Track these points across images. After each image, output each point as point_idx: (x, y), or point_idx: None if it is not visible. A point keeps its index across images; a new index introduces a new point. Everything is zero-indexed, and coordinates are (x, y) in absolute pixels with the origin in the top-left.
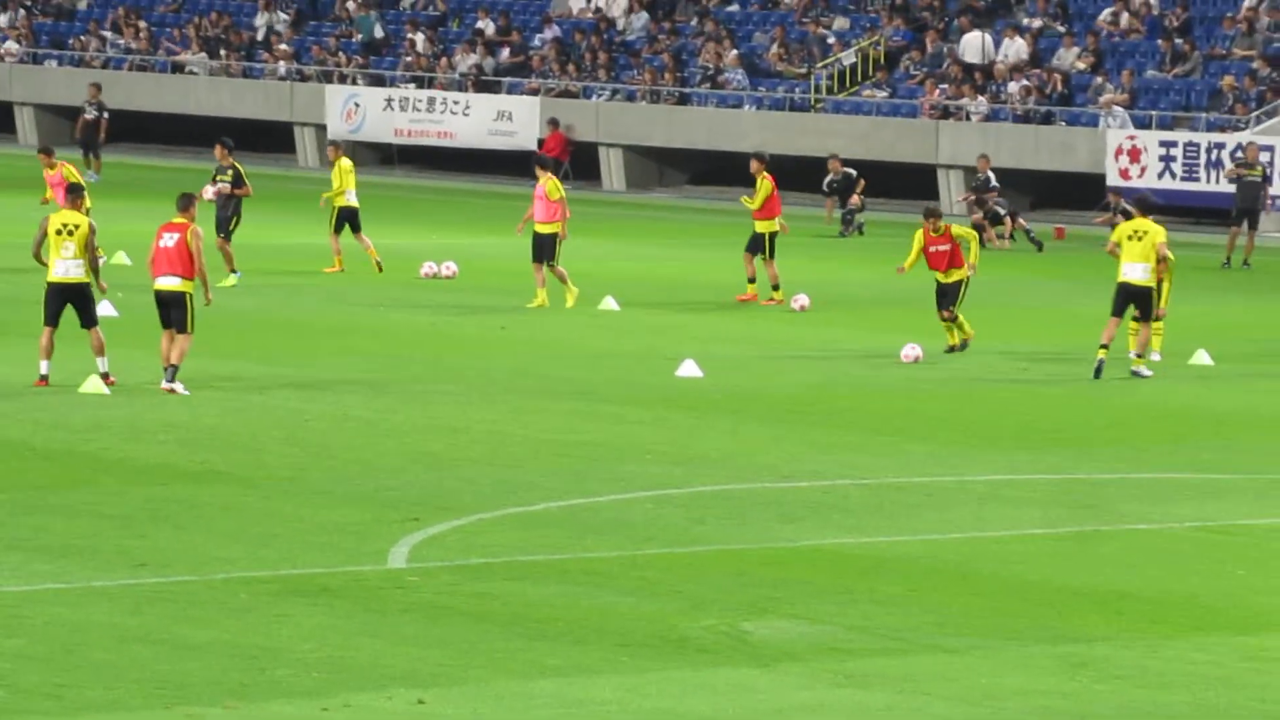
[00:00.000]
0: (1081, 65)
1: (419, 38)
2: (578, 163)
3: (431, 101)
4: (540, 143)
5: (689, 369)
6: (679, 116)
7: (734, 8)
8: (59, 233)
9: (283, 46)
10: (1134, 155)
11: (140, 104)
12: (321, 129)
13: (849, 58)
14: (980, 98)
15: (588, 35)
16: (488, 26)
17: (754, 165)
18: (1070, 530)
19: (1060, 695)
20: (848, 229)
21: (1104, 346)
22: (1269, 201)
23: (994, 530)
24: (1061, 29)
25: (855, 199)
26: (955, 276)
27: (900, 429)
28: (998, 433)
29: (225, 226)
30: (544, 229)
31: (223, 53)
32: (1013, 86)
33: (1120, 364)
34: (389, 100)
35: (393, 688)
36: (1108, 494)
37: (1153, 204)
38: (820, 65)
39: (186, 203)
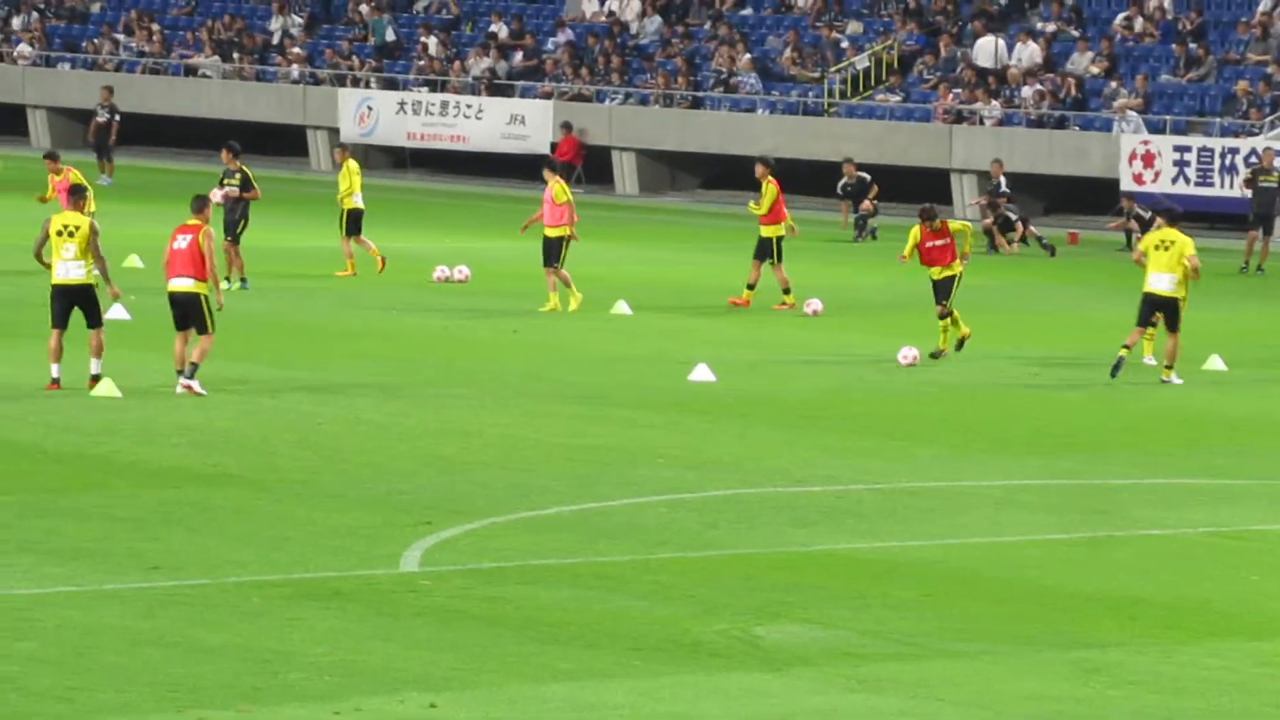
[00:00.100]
0: (1095, 70)
1: (432, 41)
2: (590, 166)
3: (444, 105)
4: (553, 146)
5: (701, 373)
6: (692, 120)
7: (747, 11)
8: (60, 234)
9: (296, 50)
10: (1148, 160)
11: (153, 107)
12: (334, 132)
13: (862, 62)
14: (994, 102)
15: (601, 39)
16: (501, 30)
17: (759, 169)
18: (1083, 535)
19: (1073, 701)
20: (861, 234)
21: (1126, 347)
22: None
23: (1007, 535)
24: (1075, 33)
25: (867, 204)
26: (949, 272)
27: (913, 433)
28: (1011, 437)
29: (233, 230)
30: (552, 232)
31: (236, 56)
32: (1026, 91)
33: (1138, 369)
34: (402, 104)
35: (405, 691)
36: (1121, 499)
37: (1179, 214)
38: (834, 69)
39: (200, 204)
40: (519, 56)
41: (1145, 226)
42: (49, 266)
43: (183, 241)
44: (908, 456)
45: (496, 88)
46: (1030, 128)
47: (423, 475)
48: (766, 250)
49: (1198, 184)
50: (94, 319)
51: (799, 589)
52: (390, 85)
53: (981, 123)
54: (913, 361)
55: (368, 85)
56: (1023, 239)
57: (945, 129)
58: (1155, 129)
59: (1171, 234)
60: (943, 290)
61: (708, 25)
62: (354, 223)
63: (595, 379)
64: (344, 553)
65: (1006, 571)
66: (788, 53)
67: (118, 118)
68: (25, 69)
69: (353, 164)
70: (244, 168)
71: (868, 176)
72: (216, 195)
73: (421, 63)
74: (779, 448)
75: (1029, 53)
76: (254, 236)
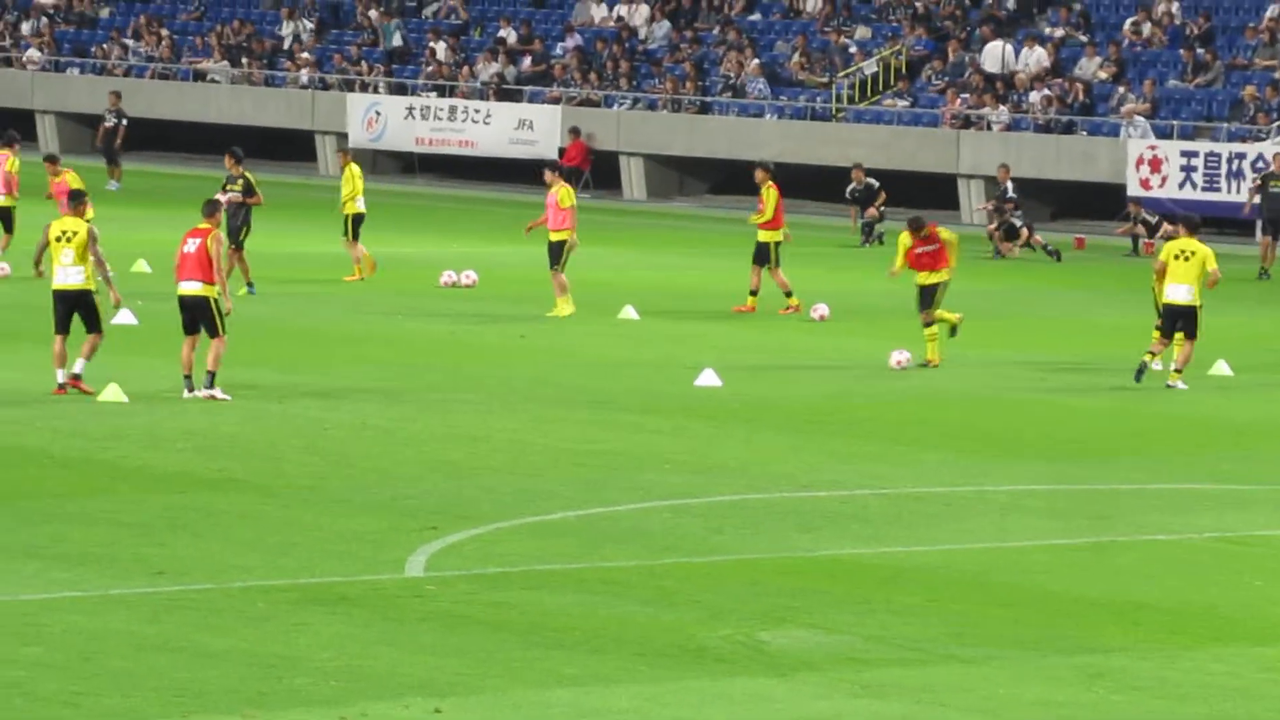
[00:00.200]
0: (1103, 75)
1: (440, 46)
2: (598, 172)
3: (453, 110)
4: (561, 152)
5: (708, 378)
6: (700, 125)
7: (756, 17)
8: (59, 239)
9: (304, 55)
10: (1155, 165)
11: (162, 112)
12: (343, 137)
13: (870, 67)
14: (1001, 107)
15: (609, 44)
16: (509, 35)
17: (759, 174)
18: (1088, 540)
19: (1078, 706)
20: (868, 239)
21: (1151, 354)
22: None
23: (1012, 540)
24: (1083, 38)
25: (873, 210)
26: (936, 279)
27: (919, 439)
28: (1016, 443)
29: (236, 236)
30: (556, 236)
31: (245, 61)
32: (1034, 96)
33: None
34: (410, 109)
35: (410, 696)
36: (1126, 504)
37: (1198, 223)
38: (842, 74)
39: (211, 209)
40: (527, 62)
41: (1152, 231)
42: (41, 275)
43: (192, 245)
44: (913, 461)
45: (505, 93)
46: (1038, 133)
47: (429, 480)
48: (765, 255)
49: (1205, 189)
50: (92, 324)
51: (804, 594)
52: (399, 90)
53: (989, 128)
54: (904, 365)
55: (376, 90)
56: (1027, 245)
57: (953, 134)
58: (1163, 134)
59: (1192, 243)
60: (927, 297)
61: (716, 30)
62: (356, 227)
63: (602, 384)
64: (350, 558)
65: (1011, 577)
66: (796, 58)
67: (125, 122)
68: (34, 74)
69: (355, 168)
70: (246, 174)
71: (876, 183)
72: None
73: (430, 68)
74: (785, 453)
75: (1036, 58)
76: (262, 241)
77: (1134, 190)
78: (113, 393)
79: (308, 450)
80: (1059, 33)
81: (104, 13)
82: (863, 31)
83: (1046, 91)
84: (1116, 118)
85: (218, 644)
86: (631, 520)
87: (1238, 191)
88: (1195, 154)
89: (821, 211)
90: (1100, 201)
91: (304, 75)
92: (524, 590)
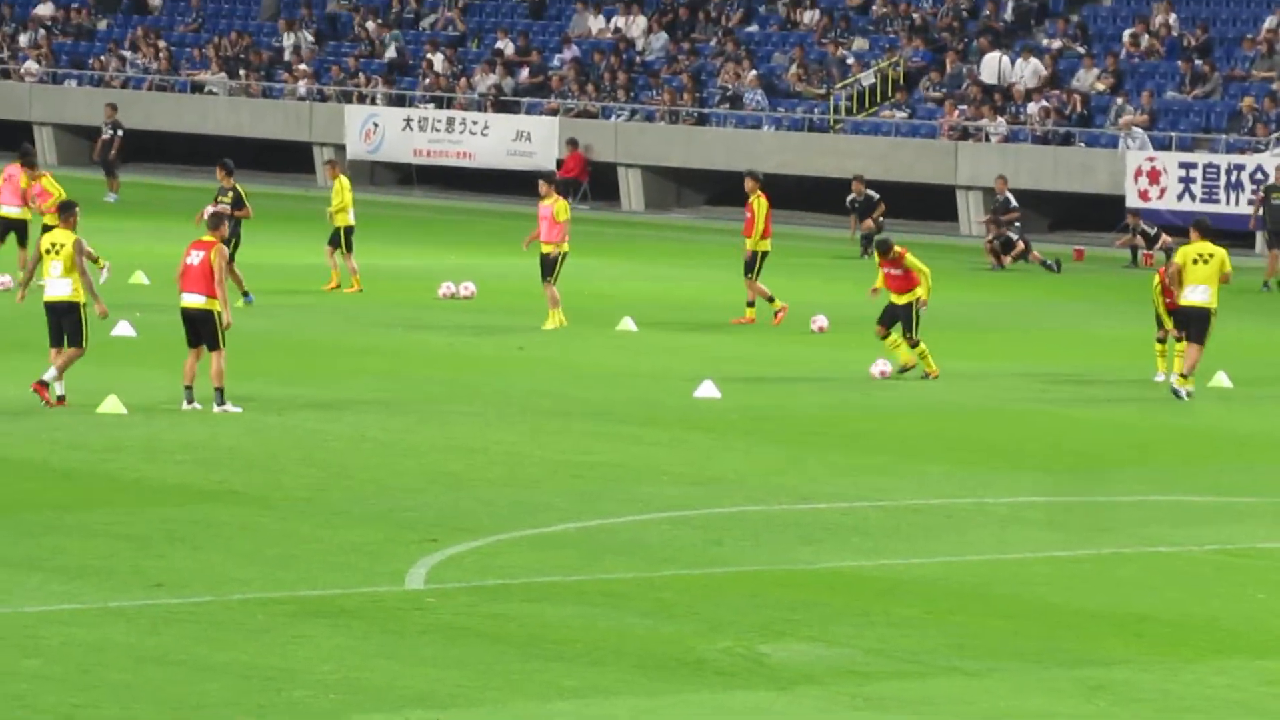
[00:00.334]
0: (1101, 86)
1: (438, 58)
2: (596, 183)
3: (450, 122)
4: (559, 163)
5: (707, 390)
6: (698, 137)
7: (753, 28)
8: (49, 252)
9: (302, 66)
10: (1153, 177)
11: (159, 124)
12: (341, 149)
13: (868, 78)
14: (999, 119)
15: (607, 55)
16: (507, 47)
17: (748, 184)
18: (1089, 553)
19: (1079, 718)
20: (866, 251)
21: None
22: None
23: (1013, 552)
24: (1081, 50)
25: (869, 223)
26: (907, 299)
27: (919, 450)
28: (1016, 454)
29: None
30: (549, 248)
31: (242, 73)
32: (1032, 107)
33: (1146, 385)
34: (408, 120)
35: (409, 709)
36: (1127, 516)
37: (1210, 226)
38: (839, 86)
39: (216, 221)
40: (525, 73)
41: (1151, 242)
42: (25, 285)
43: (195, 257)
44: (913, 473)
45: (502, 104)
46: (1036, 144)
47: (428, 492)
48: (752, 264)
49: (1203, 200)
50: (72, 337)
51: (804, 606)
52: (396, 102)
53: (987, 139)
54: (884, 375)
55: (374, 102)
56: (1022, 258)
57: (950, 145)
58: (1161, 145)
59: (1208, 247)
60: (899, 317)
61: (714, 42)
62: (347, 239)
63: (600, 396)
64: (349, 570)
65: (1012, 588)
66: (793, 69)
67: (121, 133)
68: (32, 86)
69: (344, 180)
70: (237, 186)
71: (875, 195)
72: (209, 212)
73: (428, 79)
74: (784, 465)
75: (1034, 69)
76: (260, 253)
77: (1132, 202)
78: (112, 404)
79: (307, 462)
80: (1056, 44)
81: (102, 25)
82: (860, 43)
83: (1044, 103)
84: (1114, 129)
85: (217, 656)
86: (631, 532)
87: (1236, 203)
88: (1194, 165)
89: (820, 223)
90: (1099, 213)
91: (302, 87)
92: (524, 602)
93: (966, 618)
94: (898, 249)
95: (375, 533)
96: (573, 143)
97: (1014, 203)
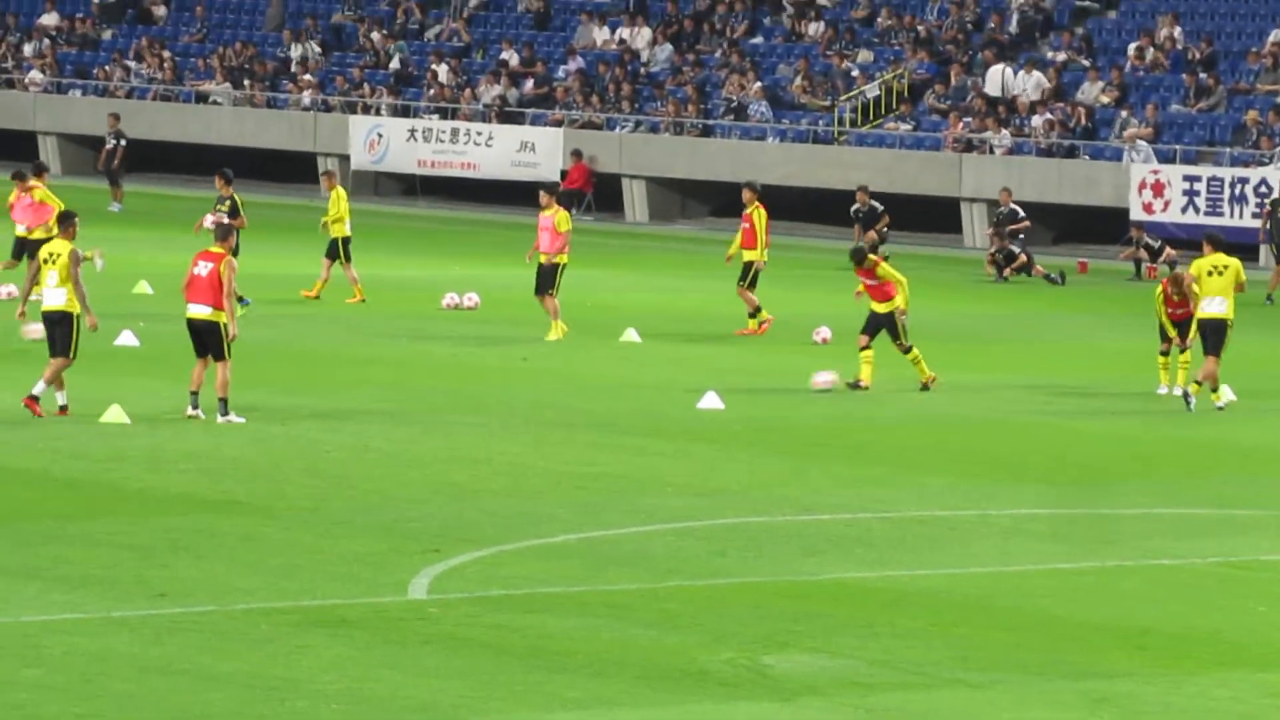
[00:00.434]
0: (1105, 99)
1: (443, 69)
2: (601, 194)
3: (455, 132)
4: (563, 174)
5: (710, 401)
6: (702, 148)
7: (758, 40)
8: (46, 262)
9: (307, 77)
10: (1158, 189)
11: (164, 134)
12: (345, 160)
13: (873, 90)
14: (1004, 131)
15: (611, 67)
16: (512, 58)
17: (746, 194)
18: (1092, 565)
19: None
20: None
21: (1207, 387)
22: None
23: (1016, 565)
24: (1086, 63)
25: (871, 234)
26: (887, 307)
27: (922, 462)
28: (1020, 467)
29: None
30: (547, 259)
31: (247, 83)
32: (1036, 120)
33: (1150, 398)
34: (412, 131)
35: (412, 719)
36: (1130, 529)
37: (1223, 240)
38: (844, 98)
39: (225, 232)
40: (530, 84)
41: (1155, 255)
42: (25, 298)
43: (204, 269)
44: (916, 485)
45: (507, 115)
46: (1040, 157)
47: (431, 503)
48: (746, 273)
49: (1207, 213)
50: (61, 346)
51: (807, 618)
52: (401, 113)
53: (991, 152)
54: (828, 386)
55: (378, 112)
56: (1023, 270)
57: (955, 158)
58: (1165, 158)
59: (1222, 258)
60: (882, 325)
61: (718, 53)
62: (345, 250)
63: (604, 407)
64: (352, 580)
65: (1015, 601)
66: (798, 81)
67: (124, 143)
68: (37, 95)
69: (341, 191)
70: (234, 195)
71: (879, 206)
72: (208, 221)
73: (432, 90)
74: (788, 476)
75: (1039, 82)
76: (263, 263)
77: (1137, 214)
78: (115, 414)
79: (310, 472)
80: (1061, 57)
81: (106, 34)
82: (865, 55)
83: (1049, 116)
84: (1119, 142)
85: (220, 667)
86: (634, 543)
87: (1240, 216)
88: (1198, 178)
89: (824, 234)
90: (1103, 226)
91: (306, 97)
92: (527, 613)
93: (970, 629)
94: (872, 258)
95: (378, 543)
96: (577, 154)
97: (1022, 213)
